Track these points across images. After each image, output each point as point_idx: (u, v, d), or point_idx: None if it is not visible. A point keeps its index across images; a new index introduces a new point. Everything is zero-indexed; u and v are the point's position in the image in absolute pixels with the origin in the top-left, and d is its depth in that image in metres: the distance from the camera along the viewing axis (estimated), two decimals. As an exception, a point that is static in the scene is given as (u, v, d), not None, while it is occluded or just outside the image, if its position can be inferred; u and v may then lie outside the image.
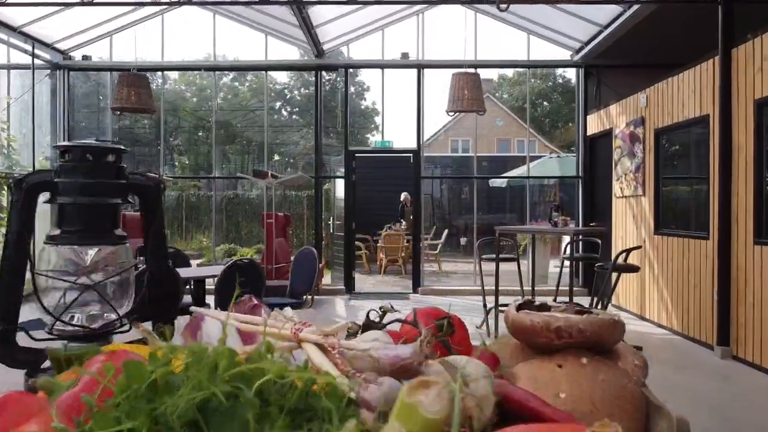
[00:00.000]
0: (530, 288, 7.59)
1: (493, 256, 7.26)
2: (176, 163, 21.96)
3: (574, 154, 11.20)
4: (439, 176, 18.92)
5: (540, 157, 18.65)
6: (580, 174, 10.22)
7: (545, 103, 44.98)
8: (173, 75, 46.50)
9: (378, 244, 12.87)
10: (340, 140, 10.14)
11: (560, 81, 45.23)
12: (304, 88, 42.85)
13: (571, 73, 10.32)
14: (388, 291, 10.27)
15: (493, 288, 7.02)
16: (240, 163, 38.95)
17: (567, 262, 8.10)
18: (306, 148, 34.90)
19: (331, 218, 11.00)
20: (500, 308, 6.94)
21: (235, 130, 39.49)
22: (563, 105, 43.63)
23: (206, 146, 40.22)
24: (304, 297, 6.33)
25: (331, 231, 10.92)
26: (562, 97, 44.26)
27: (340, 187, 10.67)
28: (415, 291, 10.09)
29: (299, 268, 6.50)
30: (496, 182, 14.68)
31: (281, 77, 43.56)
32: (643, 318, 7.90)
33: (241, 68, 10.27)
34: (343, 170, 10.28)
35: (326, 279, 11.10)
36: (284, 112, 44.34)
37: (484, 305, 7.17)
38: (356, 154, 10.35)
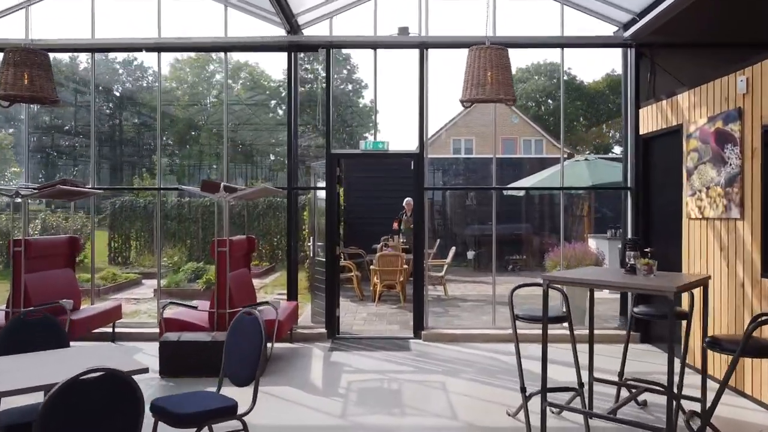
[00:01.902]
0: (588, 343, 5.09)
1: (532, 314, 4.77)
2: (155, 165, 19.39)
3: (613, 156, 8.76)
4: (450, 187, 16.10)
5: (554, 160, 16.25)
6: (630, 184, 7.74)
7: (549, 100, 42.48)
8: (163, 71, 44.04)
9: (371, 267, 10.38)
10: (338, 141, 7.67)
11: (565, 78, 42.74)
12: (300, 85, 40.49)
13: (614, 55, 7.74)
14: (382, 336, 7.78)
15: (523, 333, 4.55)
16: (231, 165, 36.46)
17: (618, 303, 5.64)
18: (301, 148, 32.47)
19: (312, 238, 8.52)
20: (548, 394, 4.46)
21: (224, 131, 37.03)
22: (568, 103, 41.11)
23: (196, 147, 37.77)
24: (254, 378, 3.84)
25: (312, 254, 8.44)
26: (567, 94, 41.74)
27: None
28: (417, 335, 7.60)
29: (236, 346, 4.03)
30: (512, 190, 12.22)
31: (276, 74, 41.07)
32: (739, 392, 5.41)
33: (191, 48, 7.73)
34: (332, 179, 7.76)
35: (304, 316, 8.62)
36: (279, 111, 41.88)
37: (523, 389, 4.68)
38: (342, 159, 7.86)
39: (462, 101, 5.59)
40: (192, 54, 41.41)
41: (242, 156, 36.76)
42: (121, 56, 39.80)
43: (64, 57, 38.38)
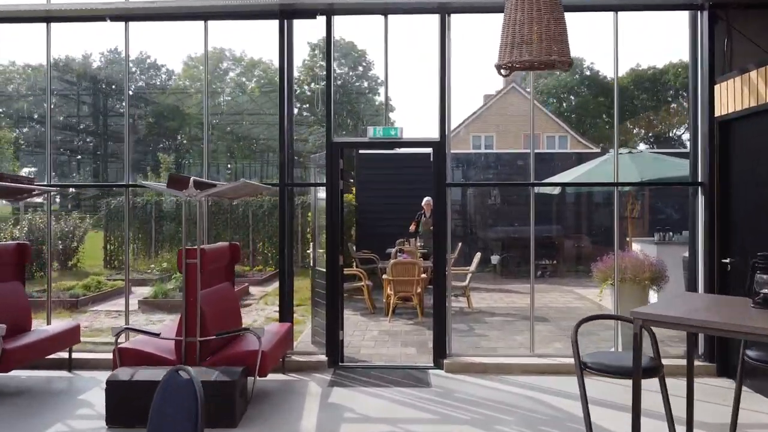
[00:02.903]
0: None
1: (610, 363, 3.26)
2: (161, 164, 18.11)
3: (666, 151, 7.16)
4: (479, 183, 14.39)
5: (591, 154, 14.76)
6: (701, 178, 6.18)
7: (572, 97, 40.57)
8: (177, 69, 42.92)
9: (384, 276, 8.92)
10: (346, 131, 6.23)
11: (587, 73, 40.75)
12: (314, 82, 39.19)
13: (680, 20, 6.23)
14: (396, 365, 6.29)
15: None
16: (245, 163, 35.27)
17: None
18: (315, 146, 31.08)
19: (312, 244, 7.09)
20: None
21: (241, 129, 35.82)
22: (591, 98, 39.20)
23: (210, 146, 36.66)
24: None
25: (312, 262, 7.00)
26: (589, 90, 39.80)
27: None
28: (438, 364, 6.12)
29: (163, 418, 2.59)
30: (538, 189, 10.70)
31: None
32: None
33: (163, 15, 6.30)
34: (340, 174, 6.30)
35: (303, 335, 7.21)
36: (294, 110, 40.59)
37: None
38: (346, 148, 6.41)
39: (498, 66, 4.13)
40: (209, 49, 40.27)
41: (257, 154, 35.54)
42: (133, 55, 38.83)
43: (77, 55, 37.50)
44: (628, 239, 10.17)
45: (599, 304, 9.39)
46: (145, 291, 10.64)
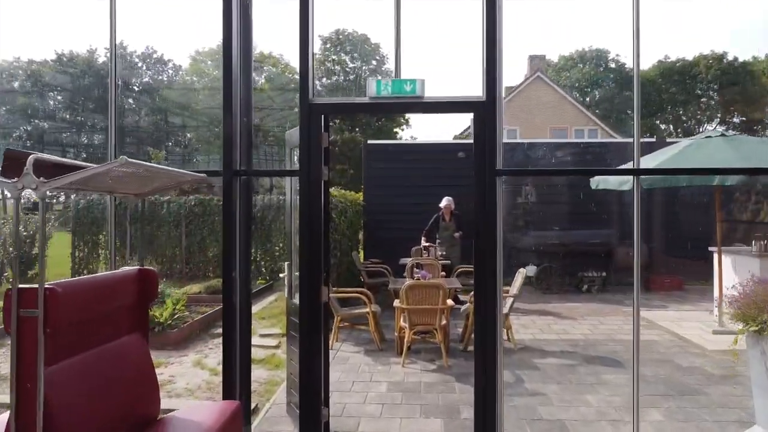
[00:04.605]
0: None
1: None
2: (152, 159, 15.88)
3: None
4: (550, 170, 11.45)
5: (649, 146, 12.29)
6: None
7: (596, 91, 37.73)
8: (184, 65, 40.87)
9: (395, 303, 6.42)
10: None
11: (613, 65, 37.86)
12: (326, 77, 36.79)
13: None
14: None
15: None
16: (257, 162, 33.06)
17: None
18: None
19: (287, 265, 4.63)
20: None
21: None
22: (617, 92, 36.33)
23: (218, 142, 34.39)
24: None
25: (287, 291, 4.53)
26: (615, 83, 36.92)
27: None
28: (482, 468, 3.64)
29: None
30: (598, 183, 8.21)
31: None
32: None
33: None
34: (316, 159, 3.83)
35: (279, 393, 4.76)
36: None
37: None
38: (331, 115, 3.94)
39: None
40: (213, 46, 38.05)
41: (267, 149, 33.24)
42: (140, 50, 36.69)
43: (82, 50, 35.52)
44: (718, 248, 7.59)
45: (695, 342, 6.88)
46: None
